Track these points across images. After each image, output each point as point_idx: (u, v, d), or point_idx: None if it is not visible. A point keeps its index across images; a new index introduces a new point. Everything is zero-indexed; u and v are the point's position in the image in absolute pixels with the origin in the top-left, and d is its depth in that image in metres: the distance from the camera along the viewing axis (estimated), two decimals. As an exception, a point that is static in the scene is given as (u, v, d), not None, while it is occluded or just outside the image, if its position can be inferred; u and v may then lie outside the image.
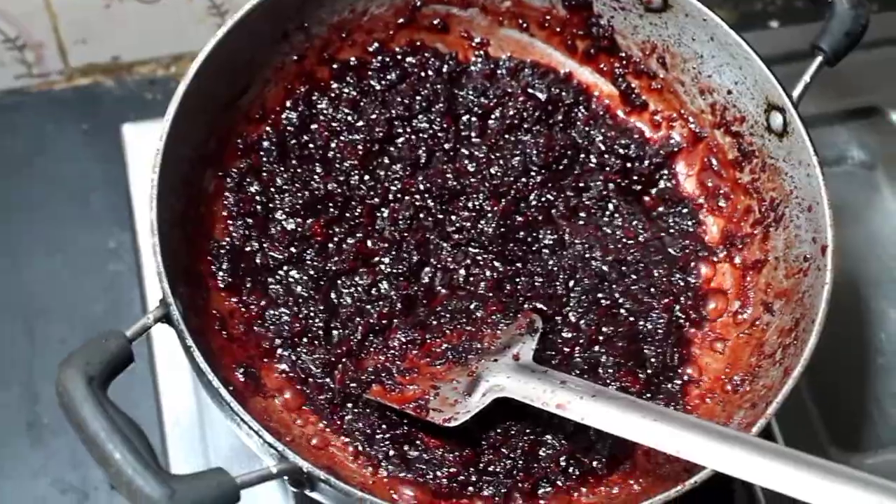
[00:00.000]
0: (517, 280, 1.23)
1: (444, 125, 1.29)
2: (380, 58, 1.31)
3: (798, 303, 1.15)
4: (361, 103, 1.29)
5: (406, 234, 1.24)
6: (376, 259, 1.22)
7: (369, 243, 1.23)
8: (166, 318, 1.02)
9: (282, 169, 1.24)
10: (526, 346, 1.14)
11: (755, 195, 1.24)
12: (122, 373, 0.97)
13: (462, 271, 1.23)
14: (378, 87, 1.30)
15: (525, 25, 1.34)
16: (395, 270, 1.21)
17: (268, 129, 1.25)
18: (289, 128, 1.26)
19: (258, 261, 1.19)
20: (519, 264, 1.23)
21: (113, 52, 1.62)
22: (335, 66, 1.30)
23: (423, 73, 1.32)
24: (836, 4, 1.20)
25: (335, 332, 1.18)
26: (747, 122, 1.24)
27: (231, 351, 1.13)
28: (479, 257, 1.24)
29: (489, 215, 1.25)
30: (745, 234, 1.25)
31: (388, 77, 1.31)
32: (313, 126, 1.27)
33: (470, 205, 1.26)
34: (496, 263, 1.23)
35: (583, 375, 1.16)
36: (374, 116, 1.28)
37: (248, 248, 1.20)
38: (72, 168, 1.54)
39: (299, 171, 1.25)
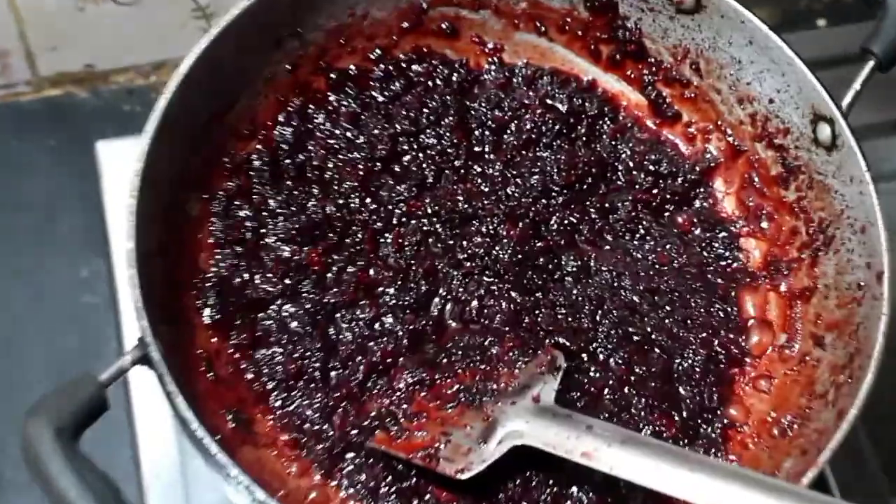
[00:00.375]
0: (537, 312, 1.22)
1: (455, 141, 1.29)
2: (382, 66, 1.32)
3: (852, 336, 1.14)
4: (362, 117, 1.29)
5: (412, 262, 1.23)
6: (380, 290, 1.22)
7: (372, 272, 1.23)
8: (145, 359, 1.01)
9: (274, 191, 1.24)
10: (547, 386, 1.13)
11: (802, 215, 1.24)
12: (95, 422, 0.96)
13: (475, 303, 1.23)
14: (381, 99, 1.31)
15: (543, 29, 1.35)
16: (400, 302, 1.21)
17: (259, 146, 1.25)
18: (282, 145, 1.26)
19: (249, 294, 1.19)
20: (539, 294, 1.23)
21: (86, 59, 1.62)
22: (333, 75, 1.30)
23: (430, 83, 1.32)
24: (889, 2, 1.20)
25: (334, 373, 1.18)
26: (792, 135, 1.24)
27: (218, 395, 1.13)
28: (494, 287, 1.23)
29: (505, 241, 1.25)
30: (792, 259, 1.25)
31: (392, 87, 1.31)
32: (309, 143, 1.27)
33: (483, 229, 1.25)
34: (513, 294, 1.23)
35: (612, 419, 1.16)
36: (376, 132, 1.28)
37: (237, 280, 1.19)
38: (40, 188, 1.54)
39: (294, 192, 1.25)
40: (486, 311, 1.22)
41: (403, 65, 1.32)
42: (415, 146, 1.29)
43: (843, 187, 1.18)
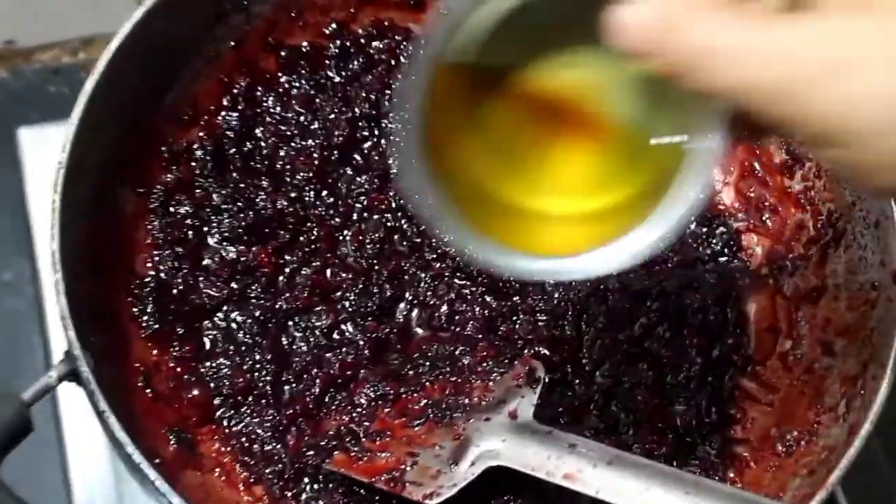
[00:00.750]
0: (514, 319, 1.22)
1: None
2: (339, 42, 1.31)
3: (865, 342, 1.14)
4: (317, 100, 1.29)
5: (375, 263, 1.23)
6: (338, 294, 1.22)
7: (329, 275, 1.22)
8: (74, 374, 1.01)
9: (219, 184, 1.24)
10: (525, 400, 1.13)
11: (809, 208, 1.25)
12: (18, 444, 0.96)
13: (445, 308, 1.22)
14: (337, 80, 1.30)
15: (519, -2, 1.35)
16: (361, 308, 1.21)
17: (201, 133, 1.25)
18: (227, 132, 1.26)
19: (191, 300, 1.19)
20: (516, 299, 1.23)
21: (5, 34, 1.61)
22: (283, 53, 1.30)
23: (393, 61, 1.31)
24: None
25: (287, 388, 1.18)
26: (797, 117, 1.24)
27: (158, 413, 1.13)
28: (467, 291, 1.23)
29: None
30: (798, 257, 1.26)
31: (350, 66, 1.31)
32: (258, 130, 1.27)
33: None
34: (487, 298, 1.23)
35: (599, 437, 1.16)
36: (332, 116, 1.28)
37: (178, 285, 1.19)
38: (-46, 181, 1.53)
39: (241, 186, 1.24)
40: (457, 317, 1.22)
41: (362, 41, 1.32)
42: (376, 132, 1.29)
43: (854, 176, 1.18)
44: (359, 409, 1.17)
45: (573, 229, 0.88)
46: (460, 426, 1.13)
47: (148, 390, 1.13)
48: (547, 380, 1.16)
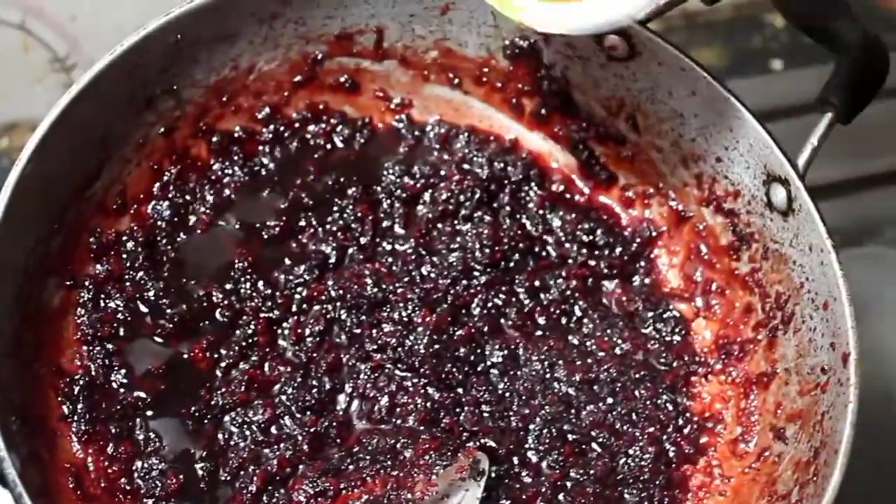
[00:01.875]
0: (458, 410, 1.24)
1: (359, 214, 1.32)
2: (272, 127, 1.34)
3: (816, 428, 1.17)
4: (251, 188, 1.31)
5: (314, 356, 1.25)
6: (276, 388, 1.23)
7: (266, 369, 1.24)
8: (-1, 477, 1.02)
9: (151, 276, 1.25)
10: (469, 494, 1.15)
11: (757, 290, 1.28)
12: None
13: (385, 400, 1.24)
14: (272, 167, 1.33)
15: (457, 81, 1.38)
16: (299, 402, 1.22)
17: (132, 224, 1.27)
18: (159, 223, 1.28)
19: (123, 399, 1.19)
20: (460, 390, 1.25)
21: (-77, 121, 1.62)
22: (215, 139, 1.32)
23: (328, 147, 1.35)
24: (845, 46, 1.22)
25: (224, 486, 1.18)
26: (743, 198, 1.28)
27: None
28: (408, 382, 1.25)
29: (420, 329, 1.26)
30: (746, 341, 1.28)
31: (285, 152, 1.33)
32: (191, 219, 1.29)
33: (395, 316, 1.27)
34: (430, 390, 1.24)
35: None
36: (267, 205, 1.30)
37: (109, 383, 1.20)
38: None
39: (174, 278, 1.26)
40: (398, 409, 1.23)
41: (297, 125, 1.35)
42: (313, 221, 1.31)
43: (801, 257, 1.22)
44: None
45: None
46: None
47: (78, 492, 1.13)
48: (493, 472, 1.18)
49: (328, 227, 1.31)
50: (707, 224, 1.32)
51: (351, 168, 1.34)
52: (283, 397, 1.22)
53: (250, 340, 1.24)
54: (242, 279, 1.27)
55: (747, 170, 1.26)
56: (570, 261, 1.33)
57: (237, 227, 1.29)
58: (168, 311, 1.24)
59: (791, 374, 1.23)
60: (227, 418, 1.21)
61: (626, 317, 1.32)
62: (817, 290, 1.20)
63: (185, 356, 1.22)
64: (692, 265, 1.33)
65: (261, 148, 1.33)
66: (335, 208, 1.32)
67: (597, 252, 1.34)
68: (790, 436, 1.20)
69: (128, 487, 1.16)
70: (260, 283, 1.27)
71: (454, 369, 1.25)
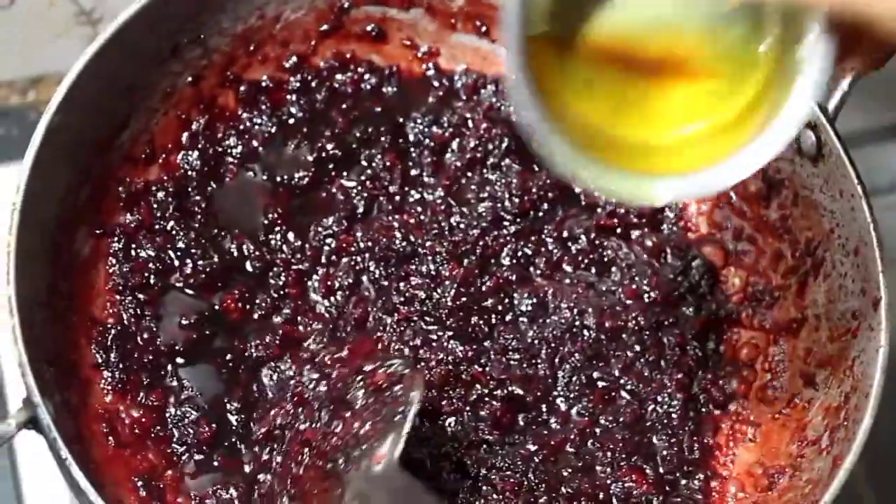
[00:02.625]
0: (483, 361, 1.25)
1: (388, 163, 1.33)
2: (299, 76, 1.35)
3: (847, 373, 1.17)
4: (279, 139, 1.32)
5: (343, 309, 1.26)
6: (304, 344, 1.24)
7: (300, 325, 1.25)
8: (33, 422, 1.02)
9: (181, 226, 1.26)
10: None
11: (786, 237, 1.28)
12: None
13: (407, 352, 1.24)
14: (300, 116, 1.33)
15: (484, 29, 1.39)
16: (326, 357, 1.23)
17: (162, 174, 1.28)
18: (189, 173, 1.29)
19: (156, 347, 1.21)
20: (487, 343, 1.26)
21: (-51, 75, 1.63)
22: (242, 88, 1.33)
23: (356, 97, 1.35)
24: None
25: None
26: (773, 144, 1.28)
27: (123, 461, 1.15)
28: (433, 335, 1.26)
29: (447, 282, 1.27)
30: (776, 287, 1.29)
31: (312, 102, 1.34)
32: (220, 170, 1.30)
33: (423, 269, 1.28)
34: (454, 343, 1.25)
35: (577, 475, 1.19)
36: (296, 156, 1.31)
37: (142, 332, 1.21)
38: None
39: (204, 229, 1.27)
40: (420, 363, 1.23)
41: (324, 74, 1.35)
42: (343, 172, 1.32)
43: (831, 203, 1.22)
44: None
45: (687, 150, 0.95)
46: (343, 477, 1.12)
47: (111, 438, 1.15)
48: (520, 420, 1.21)
49: (357, 177, 1.31)
50: (736, 171, 1.31)
51: (379, 118, 1.34)
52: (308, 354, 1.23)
53: (282, 292, 1.26)
54: (273, 230, 1.28)
55: (776, 116, 1.26)
56: (598, 209, 1.33)
57: (265, 178, 1.30)
58: (199, 261, 1.25)
59: (821, 320, 1.23)
60: (263, 371, 1.22)
61: (654, 265, 1.32)
62: (847, 236, 1.20)
63: (217, 307, 1.24)
64: (721, 213, 1.34)
65: (288, 97, 1.34)
66: (363, 158, 1.32)
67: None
68: (820, 381, 1.21)
69: (160, 435, 1.18)
70: (290, 235, 1.28)
71: (481, 321, 1.26)
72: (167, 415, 1.19)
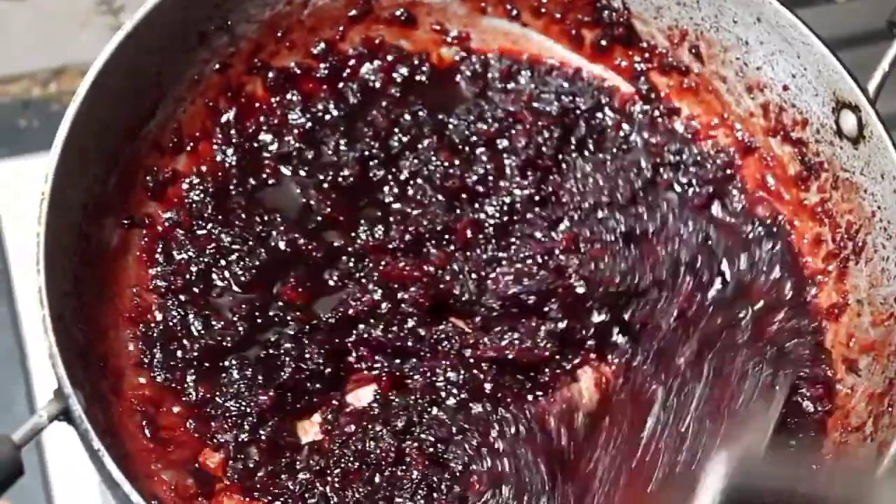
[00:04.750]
0: None
1: (444, 162, 1.33)
2: (328, 63, 1.35)
3: (891, 359, 1.18)
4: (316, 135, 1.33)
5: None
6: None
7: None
8: (64, 414, 1.03)
9: (222, 224, 1.28)
10: None
11: (827, 220, 1.28)
12: (8, 489, 0.98)
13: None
14: (336, 115, 1.34)
15: (515, 13, 1.39)
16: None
17: (196, 171, 1.29)
18: (229, 171, 1.30)
19: (201, 345, 1.22)
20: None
21: (-30, 67, 1.64)
22: (270, 75, 1.33)
23: (393, 94, 1.36)
24: None
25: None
26: (811, 126, 1.28)
27: (155, 454, 1.15)
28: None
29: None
30: (816, 272, 1.29)
31: (347, 102, 1.35)
32: (258, 168, 1.31)
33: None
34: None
35: None
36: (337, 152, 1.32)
37: (186, 332, 1.22)
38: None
39: (248, 224, 1.28)
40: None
41: (352, 63, 1.36)
42: (393, 169, 1.33)
43: (873, 185, 1.22)
44: None
45: None
46: None
47: (146, 431, 1.16)
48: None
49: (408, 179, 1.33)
50: (774, 154, 1.32)
51: (420, 117, 1.35)
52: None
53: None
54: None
55: (815, 97, 1.26)
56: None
57: (306, 174, 1.31)
58: (245, 257, 1.26)
59: (863, 305, 1.23)
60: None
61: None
62: (890, 219, 1.20)
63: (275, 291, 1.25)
64: (760, 196, 1.33)
65: (322, 93, 1.35)
66: (415, 159, 1.33)
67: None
68: (863, 368, 1.21)
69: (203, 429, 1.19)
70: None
71: None
72: (207, 410, 1.19)
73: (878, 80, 1.21)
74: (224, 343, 1.21)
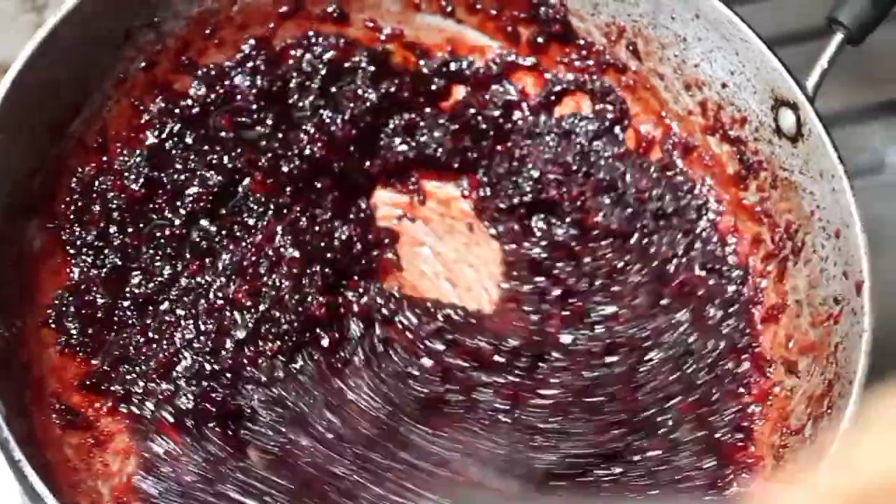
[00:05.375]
0: None
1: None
2: (258, 59, 1.33)
3: (830, 360, 1.18)
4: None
5: None
6: None
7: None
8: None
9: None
10: None
11: (765, 220, 1.28)
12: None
13: None
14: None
15: (450, 9, 1.38)
16: None
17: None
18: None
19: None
20: None
21: None
22: (198, 73, 1.32)
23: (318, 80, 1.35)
24: None
25: None
26: (750, 125, 1.28)
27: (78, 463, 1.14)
28: None
29: None
30: (756, 273, 1.29)
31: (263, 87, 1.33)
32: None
33: None
34: None
35: None
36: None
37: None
38: None
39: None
40: None
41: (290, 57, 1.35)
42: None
43: (812, 184, 1.22)
44: None
45: None
46: None
47: (71, 439, 1.15)
48: None
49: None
50: (713, 153, 1.32)
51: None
52: None
53: None
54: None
55: (754, 95, 1.26)
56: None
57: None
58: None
59: (803, 306, 1.23)
60: None
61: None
62: (829, 218, 1.20)
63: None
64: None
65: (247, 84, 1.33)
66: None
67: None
68: (803, 369, 1.21)
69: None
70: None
71: None
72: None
73: (816, 77, 1.21)
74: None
